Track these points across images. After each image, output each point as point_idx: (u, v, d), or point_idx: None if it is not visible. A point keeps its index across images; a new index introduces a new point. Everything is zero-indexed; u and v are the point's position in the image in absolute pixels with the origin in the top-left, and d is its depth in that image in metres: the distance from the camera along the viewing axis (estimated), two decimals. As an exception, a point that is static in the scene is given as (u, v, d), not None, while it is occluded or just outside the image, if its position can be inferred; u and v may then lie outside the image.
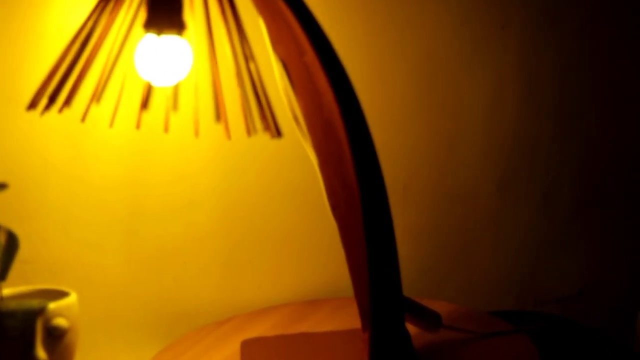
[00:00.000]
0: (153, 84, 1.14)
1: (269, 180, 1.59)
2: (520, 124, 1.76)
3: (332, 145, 1.21)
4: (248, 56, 1.12)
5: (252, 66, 1.12)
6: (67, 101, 1.07)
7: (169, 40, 1.10)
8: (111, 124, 1.22)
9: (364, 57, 1.62)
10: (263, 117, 1.13)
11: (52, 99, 1.07)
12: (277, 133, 1.15)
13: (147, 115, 1.17)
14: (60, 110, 1.13)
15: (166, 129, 1.19)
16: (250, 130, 1.17)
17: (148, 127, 1.27)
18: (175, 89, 1.16)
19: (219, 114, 1.09)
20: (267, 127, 1.14)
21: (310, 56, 1.15)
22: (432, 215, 1.73)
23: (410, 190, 1.70)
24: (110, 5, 1.10)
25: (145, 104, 1.07)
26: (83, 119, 1.16)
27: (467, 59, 1.69)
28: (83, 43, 1.09)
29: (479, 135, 1.73)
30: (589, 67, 1.81)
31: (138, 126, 1.18)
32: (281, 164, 1.58)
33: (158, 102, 1.18)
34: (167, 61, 1.11)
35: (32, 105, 1.11)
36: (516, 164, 1.77)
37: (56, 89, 1.07)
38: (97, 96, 1.10)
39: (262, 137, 1.22)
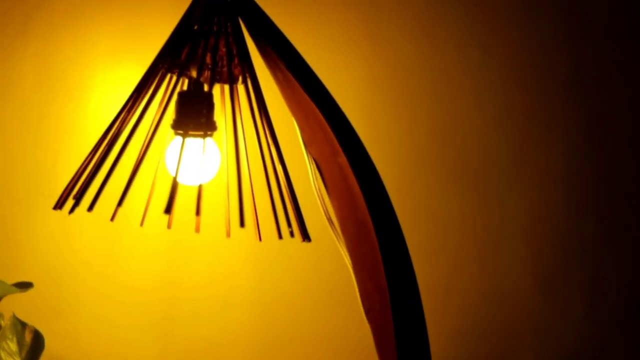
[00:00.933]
0: (182, 183, 1.12)
1: (303, 280, 1.56)
2: (565, 225, 1.70)
3: (366, 248, 1.17)
4: (277, 158, 1.10)
5: (279, 168, 1.09)
6: (93, 204, 1.05)
7: (198, 141, 1.09)
8: (142, 223, 1.20)
9: (403, 155, 1.60)
10: (290, 221, 1.10)
11: (78, 201, 1.06)
12: (305, 238, 1.12)
13: (180, 215, 1.15)
14: (89, 209, 1.12)
15: (197, 229, 1.17)
16: (281, 234, 1.14)
17: (181, 226, 1.25)
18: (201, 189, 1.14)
19: (242, 220, 1.06)
20: (293, 233, 1.11)
21: (344, 158, 1.13)
22: (472, 319, 1.67)
23: (452, 292, 1.65)
24: (143, 103, 1.10)
25: (170, 204, 1.05)
26: (112, 219, 1.15)
27: (512, 159, 1.65)
28: (112, 140, 1.08)
29: (523, 237, 1.68)
30: (635, 168, 1.76)
31: (169, 226, 1.16)
32: (316, 265, 1.55)
33: (189, 202, 1.16)
34: (195, 162, 1.09)
35: (59, 204, 1.09)
36: (560, 266, 1.71)
37: (82, 189, 1.06)
38: (123, 198, 1.08)
39: (296, 238, 1.20)
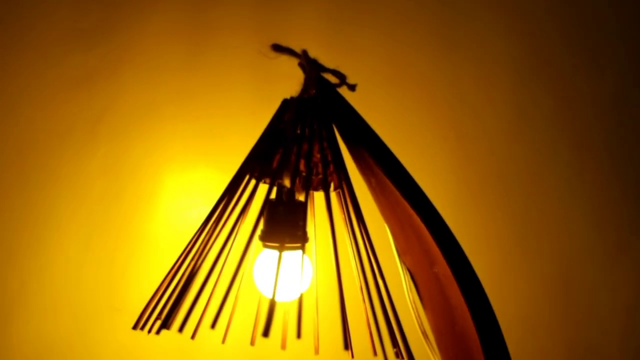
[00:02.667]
0: (271, 298, 1.03)
1: None
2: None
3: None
4: (377, 271, 1.00)
5: (380, 281, 1.00)
6: (182, 326, 0.96)
7: (289, 254, 1.00)
8: (223, 341, 1.11)
9: (497, 260, 1.50)
10: (394, 339, 0.99)
11: (165, 322, 0.97)
12: (410, 358, 1.01)
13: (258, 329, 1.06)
14: (169, 328, 1.03)
15: (283, 345, 1.08)
16: (376, 350, 1.04)
17: (261, 342, 1.15)
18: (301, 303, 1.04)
19: (348, 342, 0.96)
20: (399, 353, 1.00)
21: (443, 268, 1.04)
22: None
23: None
24: (225, 216, 1.01)
25: (268, 326, 0.96)
26: (193, 337, 1.06)
27: (605, 261, 1.54)
28: (197, 256, 0.99)
29: (618, 342, 1.56)
30: None
31: (253, 342, 1.07)
32: None
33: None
34: (287, 276, 1.00)
35: (140, 325, 1.01)
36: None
37: (169, 311, 0.97)
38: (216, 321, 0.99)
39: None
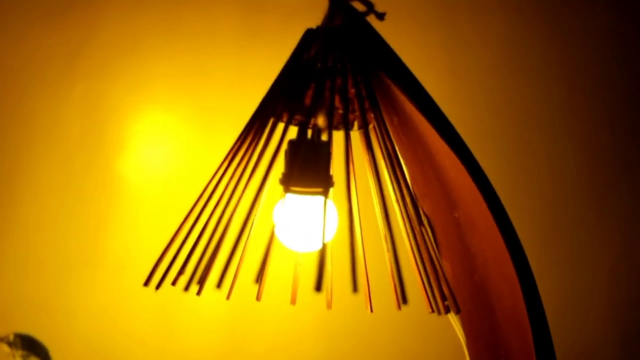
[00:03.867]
0: (293, 249, 0.95)
1: (374, 348, 1.38)
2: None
3: (483, 314, 1.05)
4: (415, 217, 0.92)
5: (423, 230, 0.92)
6: (201, 279, 0.87)
7: (313, 200, 0.91)
8: (228, 297, 1.01)
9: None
10: (441, 291, 0.91)
11: (178, 276, 0.88)
12: (458, 310, 0.94)
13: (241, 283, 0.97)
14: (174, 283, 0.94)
15: (293, 300, 1.00)
16: (400, 304, 0.97)
17: (242, 295, 1.07)
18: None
19: (355, 285, 0.89)
20: (449, 308, 0.93)
21: (466, 212, 0.98)
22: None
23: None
24: (237, 160, 0.91)
25: (320, 280, 0.88)
26: (199, 293, 0.96)
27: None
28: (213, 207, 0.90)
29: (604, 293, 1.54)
30: None
31: (293, 301, 1.00)
32: (389, 333, 1.38)
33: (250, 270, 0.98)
34: (313, 224, 0.91)
35: (150, 281, 0.91)
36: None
37: (183, 265, 0.88)
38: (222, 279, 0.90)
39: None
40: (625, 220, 1.55)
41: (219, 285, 0.91)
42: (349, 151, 0.83)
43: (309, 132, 0.91)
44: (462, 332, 1.13)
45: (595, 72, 1.48)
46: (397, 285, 0.91)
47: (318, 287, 0.82)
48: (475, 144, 1.29)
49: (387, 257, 0.97)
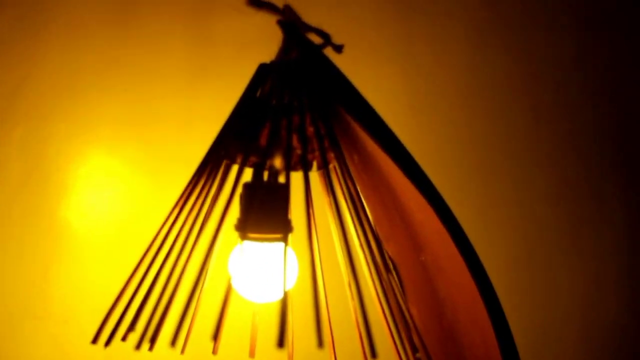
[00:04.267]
0: (250, 299, 0.88)
1: None
2: (622, 318, 1.51)
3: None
4: (381, 263, 0.86)
5: (390, 277, 0.86)
6: (152, 336, 0.80)
7: (271, 247, 0.85)
8: (182, 351, 0.93)
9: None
10: (411, 342, 0.85)
11: (127, 334, 0.81)
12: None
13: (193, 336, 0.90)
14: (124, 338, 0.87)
15: (252, 353, 0.93)
16: (367, 358, 0.91)
17: (197, 349, 0.99)
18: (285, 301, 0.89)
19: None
20: (421, 356, 0.87)
21: (434, 254, 0.92)
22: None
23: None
24: (197, 207, 0.85)
25: (217, 332, 0.81)
26: (152, 348, 0.89)
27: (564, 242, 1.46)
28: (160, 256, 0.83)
29: (576, 328, 1.49)
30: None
31: (252, 354, 0.93)
32: None
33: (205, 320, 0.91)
34: (270, 273, 0.85)
35: (98, 339, 0.84)
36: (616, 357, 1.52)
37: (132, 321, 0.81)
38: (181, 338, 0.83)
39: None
40: (597, 246, 1.51)
41: (173, 342, 0.84)
42: (309, 193, 0.77)
43: (265, 174, 0.85)
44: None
45: (559, 100, 1.44)
46: (364, 336, 0.85)
47: (280, 343, 0.76)
48: (438, 176, 1.24)
49: (352, 305, 0.91)
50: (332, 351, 0.91)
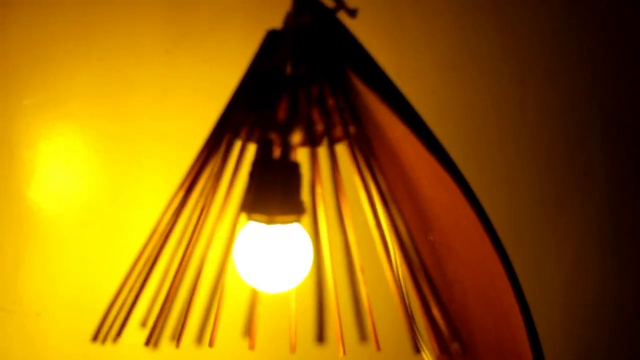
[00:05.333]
0: (259, 289, 0.81)
1: None
2: (603, 289, 1.49)
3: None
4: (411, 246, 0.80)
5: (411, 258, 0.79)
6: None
7: (282, 229, 0.77)
8: (178, 345, 0.86)
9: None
10: (443, 334, 0.79)
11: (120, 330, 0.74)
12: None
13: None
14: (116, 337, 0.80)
15: (252, 345, 0.87)
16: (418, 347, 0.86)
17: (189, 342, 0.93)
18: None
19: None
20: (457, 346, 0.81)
21: (444, 233, 0.87)
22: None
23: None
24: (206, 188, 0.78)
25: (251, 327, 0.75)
26: (150, 344, 0.82)
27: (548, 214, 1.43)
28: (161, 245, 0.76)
29: (559, 304, 1.46)
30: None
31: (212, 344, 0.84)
32: None
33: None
34: (281, 258, 0.78)
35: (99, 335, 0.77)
36: (599, 335, 1.50)
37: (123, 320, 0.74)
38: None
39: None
40: (579, 231, 1.48)
41: (177, 340, 0.77)
42: (336, 167, 0.70)
43: (275, 152, 0.78)
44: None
45: (546, 87, 1.40)
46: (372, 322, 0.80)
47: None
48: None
49: (363, 291, 0.85)
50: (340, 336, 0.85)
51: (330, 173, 0.75)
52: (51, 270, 1.13)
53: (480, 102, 1.35)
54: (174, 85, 1.14)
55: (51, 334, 1.11)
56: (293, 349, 0.90)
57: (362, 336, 0.82)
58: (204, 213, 0.74)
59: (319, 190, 0.78)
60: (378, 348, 0.83)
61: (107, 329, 0.77)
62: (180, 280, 0.76)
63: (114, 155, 1.15)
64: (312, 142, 0.74)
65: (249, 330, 0.88)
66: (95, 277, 1.15)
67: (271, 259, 0.78)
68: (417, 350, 0.80)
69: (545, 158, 1.42)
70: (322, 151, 0.79)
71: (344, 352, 0.87)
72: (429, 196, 0.89)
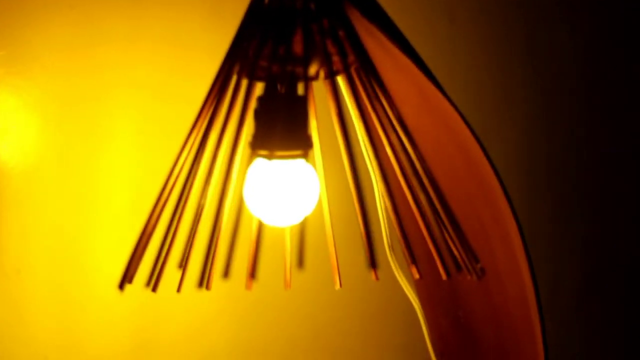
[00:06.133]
0: (266, 222, 0.82)
1: (283, 328, 1.34)
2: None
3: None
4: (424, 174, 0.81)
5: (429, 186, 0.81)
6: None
7: (288, 164, 0.78)
8: (179, 289, 0.85)
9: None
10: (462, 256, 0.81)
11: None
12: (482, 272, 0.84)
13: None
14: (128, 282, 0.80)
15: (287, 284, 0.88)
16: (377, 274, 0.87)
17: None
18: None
19: (374, 261, 0.79)
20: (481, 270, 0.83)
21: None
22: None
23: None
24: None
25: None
26: (154, 289, 0.82)
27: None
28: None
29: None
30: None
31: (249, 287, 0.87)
32: (296, 310, 1.33)
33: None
34: (286, 192, 0.79)
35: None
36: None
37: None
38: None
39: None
40: (560, 224, 1.52)
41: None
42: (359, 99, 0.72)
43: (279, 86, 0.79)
44: (416, 298, 1.07)
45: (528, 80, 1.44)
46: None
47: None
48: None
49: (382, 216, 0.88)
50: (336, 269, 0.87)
51: (349, 103, 0.76)
52: (28, 226, 1.11)
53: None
54: (147, 26, 1.13)
55: (34, 291, 1.11)
56: (288, 284, 0.91)
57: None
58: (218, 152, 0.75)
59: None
60: (377, 278, 0.85)
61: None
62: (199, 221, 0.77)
63: (83, 106, 1.13)
64: (330, 73, 0.75)
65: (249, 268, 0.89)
66: (72, 229, 1.14)
67: (273, 194, 0.80)
68: (458, 269, 0.82)
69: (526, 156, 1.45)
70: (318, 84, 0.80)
71: (340, 285, 0.89)
72: (413, 126, 0.90)
